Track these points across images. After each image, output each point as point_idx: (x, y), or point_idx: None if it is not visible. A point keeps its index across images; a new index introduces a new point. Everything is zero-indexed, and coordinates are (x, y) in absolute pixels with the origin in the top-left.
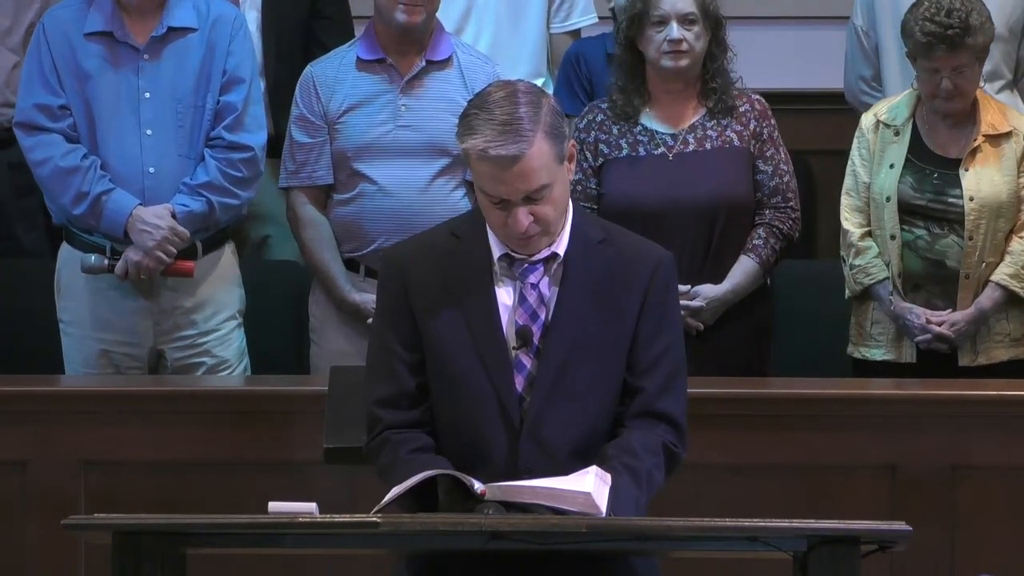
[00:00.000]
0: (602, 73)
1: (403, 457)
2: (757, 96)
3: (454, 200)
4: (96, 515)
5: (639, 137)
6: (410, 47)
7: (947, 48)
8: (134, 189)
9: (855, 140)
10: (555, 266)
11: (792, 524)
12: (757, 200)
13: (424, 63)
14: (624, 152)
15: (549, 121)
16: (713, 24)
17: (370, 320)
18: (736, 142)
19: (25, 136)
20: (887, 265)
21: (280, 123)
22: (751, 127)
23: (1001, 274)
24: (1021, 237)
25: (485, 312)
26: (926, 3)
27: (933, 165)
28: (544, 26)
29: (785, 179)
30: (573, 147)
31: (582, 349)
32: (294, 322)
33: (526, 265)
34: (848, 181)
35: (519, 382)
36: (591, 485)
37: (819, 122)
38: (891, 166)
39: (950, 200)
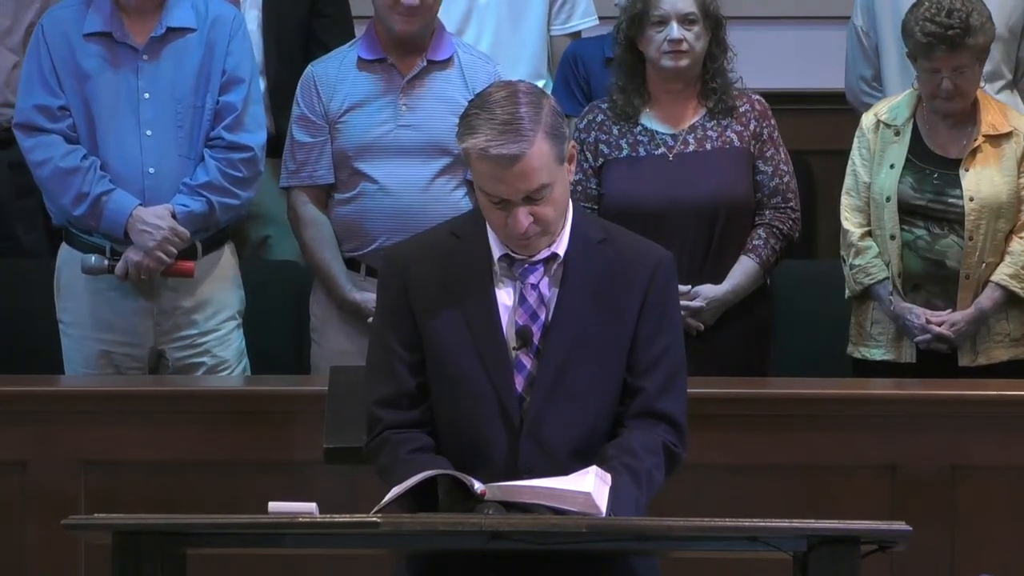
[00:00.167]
0: (599, 74)
1: (403, 457)
2: (757, 96)
3: (455, 200)
4: (96, 515)
5: (639, 137)
6: (411, 48)
7: (947, 48)
8: (134, 189)
9: (855, 140)
10: (555, 266)
11: (792, 524)
12: (757, 200)
13: (425, 63)
14: (624, 152)
15: (550, 121)
16: (713, 24)
17: (371, 319)
18: (736, 142)
19: (25, 137)
20: (887, 265)
21: (280, 123)
22: (751, 127)
23: (1001, 274)
24: (1021, 237)
25: (485, 312)
26: (926, 3)
27: (933, 165)
28: (545, 28)
29: (785, 179)
30: (573, 148)
31: (582, 349)
32: (294, 322)
33: (526, 265)
34: (848, 181)
35: (519, 382)
36: (591, 485)
37: (819, 122)
38: (891, 166)
39: (950, 200)
